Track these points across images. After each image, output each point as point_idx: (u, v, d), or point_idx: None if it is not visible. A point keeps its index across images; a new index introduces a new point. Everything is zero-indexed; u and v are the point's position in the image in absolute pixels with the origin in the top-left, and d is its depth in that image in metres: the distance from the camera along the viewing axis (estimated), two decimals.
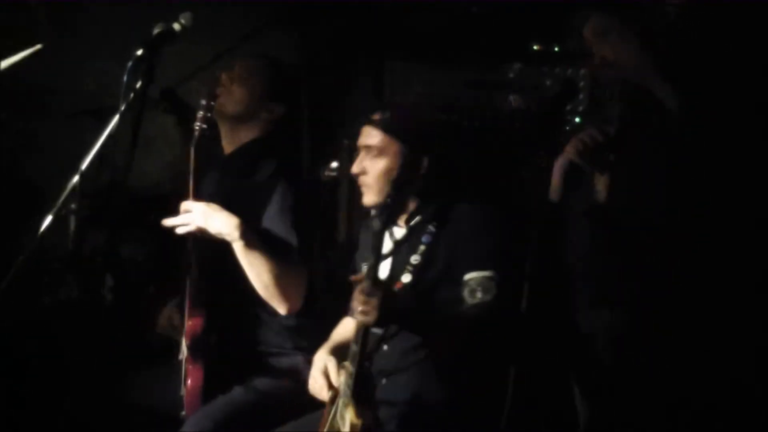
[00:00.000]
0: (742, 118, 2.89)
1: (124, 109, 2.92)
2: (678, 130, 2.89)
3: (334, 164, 4.13)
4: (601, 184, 3.06)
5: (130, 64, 2.94)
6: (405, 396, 3.09)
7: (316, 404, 3.17)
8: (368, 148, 3.17)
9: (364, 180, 3.18)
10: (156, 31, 3.00)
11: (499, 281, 2.99)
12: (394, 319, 2.95)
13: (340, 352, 3.15)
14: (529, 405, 2.78)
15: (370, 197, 3.18)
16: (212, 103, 3.42)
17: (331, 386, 3.10)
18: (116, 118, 2.91)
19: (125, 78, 2.92)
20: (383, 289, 2.85)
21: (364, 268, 3.27)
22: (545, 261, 2.71)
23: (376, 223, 2.91)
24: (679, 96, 2.87)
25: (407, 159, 3.15)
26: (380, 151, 3.15)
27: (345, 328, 3.36)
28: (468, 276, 3.02)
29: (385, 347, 3.12)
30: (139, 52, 2.94)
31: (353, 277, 2.93)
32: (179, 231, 3.31)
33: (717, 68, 2.91)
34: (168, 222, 3.32)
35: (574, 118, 3.88)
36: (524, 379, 2.70)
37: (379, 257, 2.88)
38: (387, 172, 3.14)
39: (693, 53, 2.93)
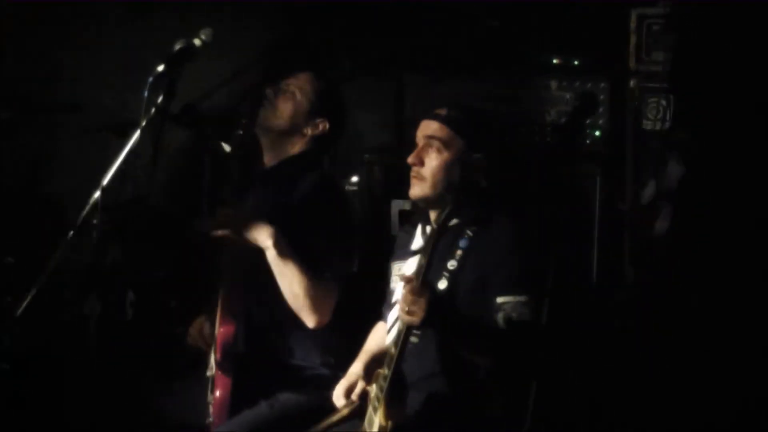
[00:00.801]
0: (743, 118, 2.89)
1: (145, 125, 2.93)
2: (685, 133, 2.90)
3: (354, 179, 4.12)
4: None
5: (150, 79, 2.95)
6: (423, 408, 3.07)
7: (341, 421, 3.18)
8: (431, 139, 3.17)
9: (418, 171, 3.18)
10: (177, 47, 3.02)
11: (534, 306, 2.99)
12: (436, 323, 2.90)
13: (374, 366, 3.15)
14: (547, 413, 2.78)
15: (420, 189, 3.17)
16: (257, 115, 3.42)
17: (347, 396, 3.13)
18: (137, 133, 2.92)
19: (146, 93, 2.93)
20: (431, 291, 2.86)
21: (397, 267, 3.30)
22: (568, 275, 2.71)
23: (431, 226, 2.93)
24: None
25: (467, 157, 3.16)
26: (444, 145, 3.16)
27: (377, 336, 3.37)
28: (501, 300, 3.00)
29: (406, 360, 3.10)
30: (160, 68, 2.95)
31: (403, 277, 2.94)
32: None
33: (716, 68, 2.92)
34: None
35: (594, 131, 3.88)
36: (545, 390, 2.70)
37: (431, 259, 2.86)
38: (445, 167, 3.14)
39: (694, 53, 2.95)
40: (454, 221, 3.12)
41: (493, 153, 3.19)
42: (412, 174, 3.20)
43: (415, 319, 2.83)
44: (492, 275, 3.05)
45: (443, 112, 3.22)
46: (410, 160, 3.20)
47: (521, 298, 2.98)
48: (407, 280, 2.88)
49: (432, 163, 3.17)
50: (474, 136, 3.19)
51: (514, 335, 2.96)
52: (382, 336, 3.32)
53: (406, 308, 2.84)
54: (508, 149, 3.36)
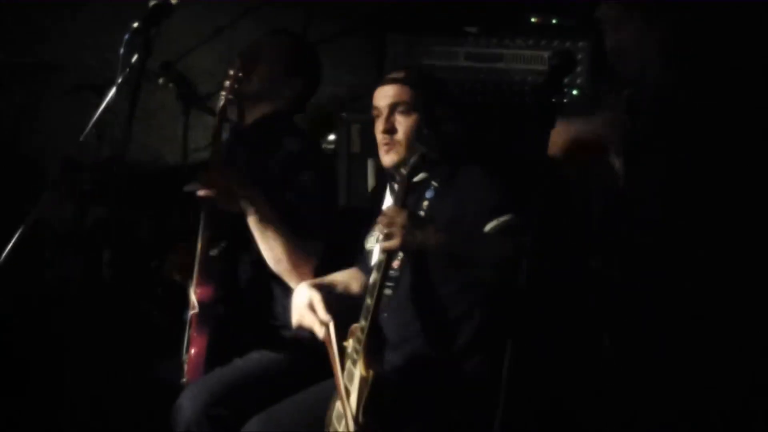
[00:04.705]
0: (744, 114, 2.90)
1: (121, 83, 2.94)
2: (677, 123, 2.90)
3: (332, 137, 4.12)
4: (617, 164, 3.07)
5: (126, 37, 2.95)
6: (405, 368, 3.08)
7: (317, 380, 3.18)
8: (397, 105, 3.18)
9: (391, 138, 3.18)
10: (152, 3, 3.01)
11: (520, 224, 2.97)
12: (418, 244, 2.90)
13: (325, 290, 3.15)
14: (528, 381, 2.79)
15: (397, 155, 3.17)
16: (240, 74, 3.41)
17: (321, 320, 3.06)
18: (113, 91, 2.93)
19: (122, 51, 2.94)
20: (408, 213, 2.89)
21: (375, 237, 3.28)
22: (549, 237, 2.70)
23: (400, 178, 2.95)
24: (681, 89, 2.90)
25: (432, 114, 3.17)
26: (411, 107, 3.17)
27: (340, 275, 3.36)
28: (489, 226, 3.01)
29: (385, 314, 3.10)
30: (135, 25, 2.95)
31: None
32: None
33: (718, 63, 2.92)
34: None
35: (572, 90, 3.88)
36: (522, 354, 2.70)
37: (407, 192, 2.92)
38: (416, 127, 3.15)
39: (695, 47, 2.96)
40: (423, 175, 3.13)
41: (452, 109, 3.22)
42: (384, 142, 3.19)
43: (394, 242, 2.86)
44: (467, 213, 3.06)
45: (402, 74, 3.23)
46: (383, 128, 3.19)
47: (505, 218, 3.00)
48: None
49: (403, 127, 3.17)
50: (434, 91, 3.22)
51: (501, 245, 2.95)
52: (345, 277, 3.34)
53: (385, 230, 2.86)
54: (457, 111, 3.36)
